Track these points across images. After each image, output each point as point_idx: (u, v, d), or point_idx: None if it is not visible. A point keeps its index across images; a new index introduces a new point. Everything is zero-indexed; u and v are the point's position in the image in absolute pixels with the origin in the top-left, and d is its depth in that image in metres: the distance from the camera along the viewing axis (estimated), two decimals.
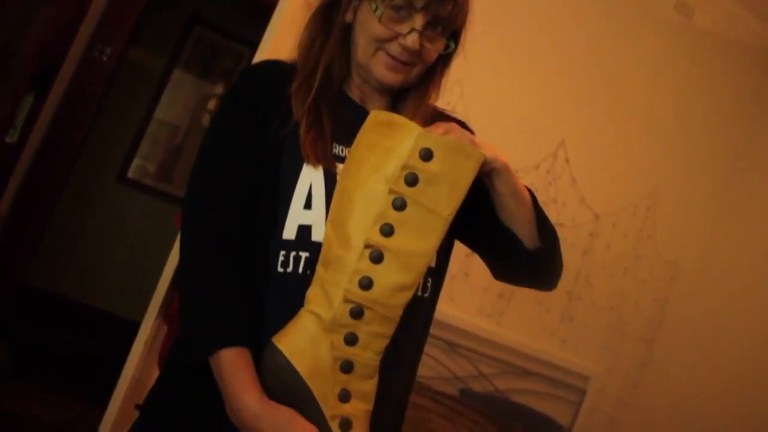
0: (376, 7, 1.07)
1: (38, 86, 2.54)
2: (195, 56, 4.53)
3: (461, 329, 3.01)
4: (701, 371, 3.41)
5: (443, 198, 0.94)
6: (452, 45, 1.14)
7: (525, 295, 3.35)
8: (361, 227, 0.93)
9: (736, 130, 3.76)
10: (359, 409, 0.93)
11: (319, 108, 1.09)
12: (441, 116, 1.24)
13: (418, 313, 1.10)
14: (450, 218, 0.95)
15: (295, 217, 1.02)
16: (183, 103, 4.56)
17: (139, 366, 2.13)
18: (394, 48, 1.09)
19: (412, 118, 1.12)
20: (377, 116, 0.99)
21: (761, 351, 3.19)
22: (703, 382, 3.37)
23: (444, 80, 1.21)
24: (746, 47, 3.76)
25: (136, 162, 4.47)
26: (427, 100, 1.19)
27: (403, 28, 1.07)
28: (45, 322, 3.98)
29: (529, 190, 1.14)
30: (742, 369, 3.22)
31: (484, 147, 1.02)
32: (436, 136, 0.96)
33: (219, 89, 4.59)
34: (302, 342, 0.92)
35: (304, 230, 1.02)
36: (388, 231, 0.93)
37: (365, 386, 0.94)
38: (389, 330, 0.94)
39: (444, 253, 1.14)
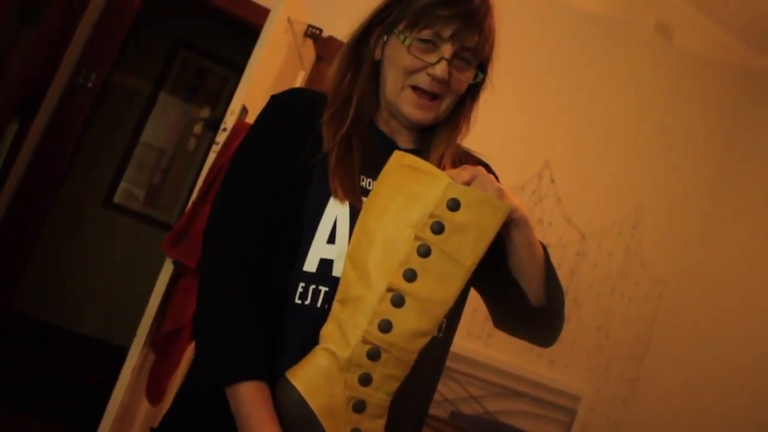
0: (405, 38, 1.08)
1: (23, 113, 2.53)
2: (181, 80, 4.53)
3: (450, 351, 3.01)
4: (691, 388, 3.42)
5: (467, 248, 0.95)
6: (480, 75, 1.14)
7: None
8: (384, 269, 0.93)
9: (718, 147, 3.81)
10: None
11: (350, 140, 1.08)
12: (467, 156, 1.23)
13: (430, 353, 1.08)
14: (472, 268, 0.96)
15: (318, 250, 1.02)
16: (169, 126, 4.56)
17: (127, 393, 2.10)
18: (422, 79, 1.09)
19: (442, 155, 1.15)
20: (402, 158, 0.99)
21: (750, 365, 3.20)
22: (692, 398, 3.38)
23: (474, 114, 1.20)
24: (727, 66, 3.82)
25: (122, 186, 4.45)
26: (457, 135, 1.18)
27: (432, 58, 1.07)
28: (30, 348, 3.93)
29: (543, 246, 1.13)
30: (732, 384, 3.23)
31: (508, 195, 1.01)
32: (464, 187, 0.96)
33: (205, 112, 4.59)
34: (317, 379, 0.92)
35: (326, 264, 1.01)
36: (411, 276, 0.93)
37: (375, 426, 0.95)
38: (403, 373, 0.95)
39: (461, 295, 1.12)
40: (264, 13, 2.30)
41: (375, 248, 0.94)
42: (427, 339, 0.95)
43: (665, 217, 3.70)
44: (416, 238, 0.94)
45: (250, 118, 2.03)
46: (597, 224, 3.54)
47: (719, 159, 3.79)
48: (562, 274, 3.57)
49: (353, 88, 1.13)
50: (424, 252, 0.94)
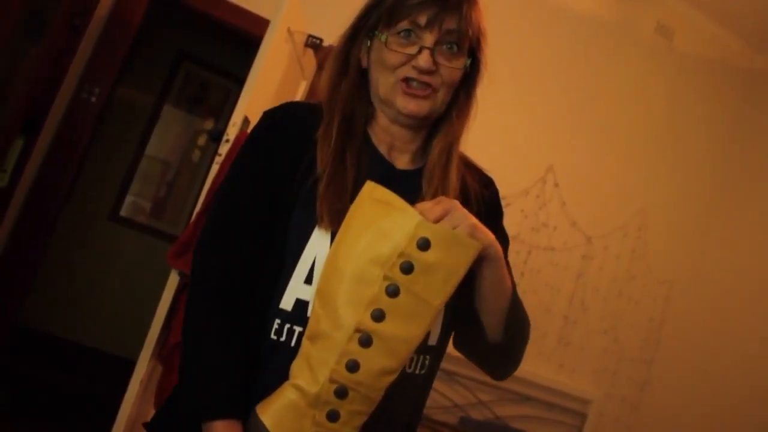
0: (382, 35, 1.06)
1: (28, 130, 2.55)
2: (184, 92, 4.55)
3: (459, 357, 3.01)
4: (701, 389, 3.40)
5: (437, 288, 0.94)
6: (468, 61, 1.10)
7: None
8: (352, 308, 0.93)
9: (721, 147, 3.81)
10: None
11: (344, 157, 1.06)
12: (467, 166, 1.20)
13: (412, 390, 1.09)
14: (440, 307, 0.95)
15: (295, 289, 1.02)
16: (173, 139, 4.58)
17: (135, 406, 2.11)
18: (408, 72, 1.06)
19: (440, 153, 1.12)
20: (374, 191, 0.97)
21: (760, 365, 3.19)
22: (703, 400, 3.36)
23: (473, 109, 1.17)
24: (728, 66, 3.82)
25: (128, 199, 4.47)
26: (453, 130, 1.14)
27: (413, 50, 1.05)
28: (39, 362, 3.94)
29: (513, 283, 1.11)
30: (742, 385, 3.22)
31: (483, 232, 0.99)
32: (435, 226, 0.94)
33: (209, 124, 4.61)
34: (285, 414, 0.94)
35: (302, 305, 1.01)
36: (379, 316, 0.92)
37: None
38: (369, 408, 0.96)
39: (445, 330, 1.11)
40: (264, 24, 2.31)
41: (344, 285, 0.93)
42: (394, 376, 0.95)
43: (670, 219, 3.69)
44: (385, 277, 0.93)
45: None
46: (602, 227, 3.53)
47: (722, 159, 3.78)
48: (568, 278, 3.59)
49: (347, 100, 1.11)
50: (393, 291, 0.93)
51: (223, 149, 2.08)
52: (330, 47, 2.87)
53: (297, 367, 0.96)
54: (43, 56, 2.49)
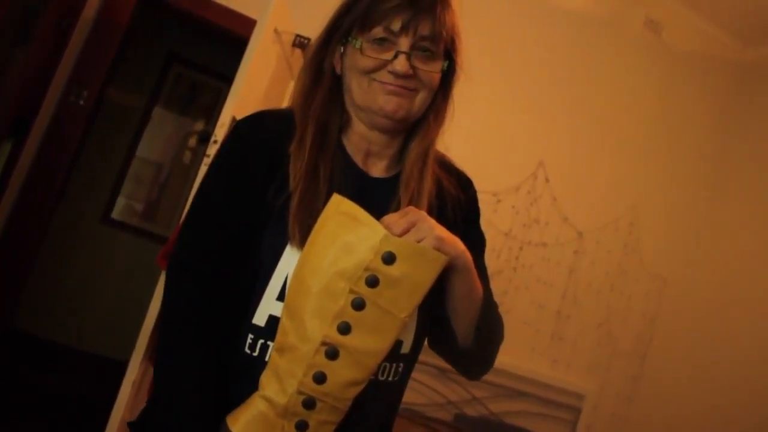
0: (356, 41, 1.06)
1: (16, 133, 2.54)
2: (174, 94, 4.55)
3: None
4: (695, 382, 3.41)
5: (402, 301, 0.95)
6: (445, 63, 1.09)
7: (513, 316, 3.36)
8: (318, 321, 0.94)
9: (712, 140, 3.82)
10: None
11: (317, 172, 1.05)
12: (445, 168, 1.20)
13: (384, 396, 1.10)
14: (407, 320, 0.96)
15: (267, 306, 1.02)
16: (165, 140, 4.57)
17: (128, 407, 2.10)
18: (384, 77, 1.05)
19: (416, 157, 1.12)
20: (339, 205, 0.97)
21: (753, 358, 3.20)
22: (697, 393, 3.37)
23: (449, 110, 1.16)
24: (717, 59, 3.83)
25: (120, 202, 4.46)
26: (430, 133, 1.14)
27: (389, 55, 1.05)
28: (32, 365, 3.94)
29: (486, 290, 1.12)
30: (736, 377, 3.23)
31: (450, 244, 0.99)
32: (400, 240, 0.95)
33: (200, 126, 4.60)
34: (255, 425, 0.95)
35: (274, 321, 1.01)
36: (345, 329, 0.94)
37: None
38: (338, 418, 0.97)
39: (418, 338, 1.12)
40: (252, 24, 2.31)
41: (311, 299, 0.95)
42: (360, 387, 0.96)
43: (662, 213, 3.71)
44: (351, 291, 0.94)
45: None
46: (594, 222, 3.54)
47: (714, 152, 3.80)
48: (560, 273, 3.59)
49: (321, 108, 1.10)
50: (359, 304, 0.94)
51: (211, 150, 2.08)
52: None
53: (266, 379, 0.98)
54: (31, 59, 2.48)
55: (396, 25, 1.04)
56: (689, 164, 3.77)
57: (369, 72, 1.06)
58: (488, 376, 3.62)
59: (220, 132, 2.08)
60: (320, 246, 0.96)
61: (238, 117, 2.17)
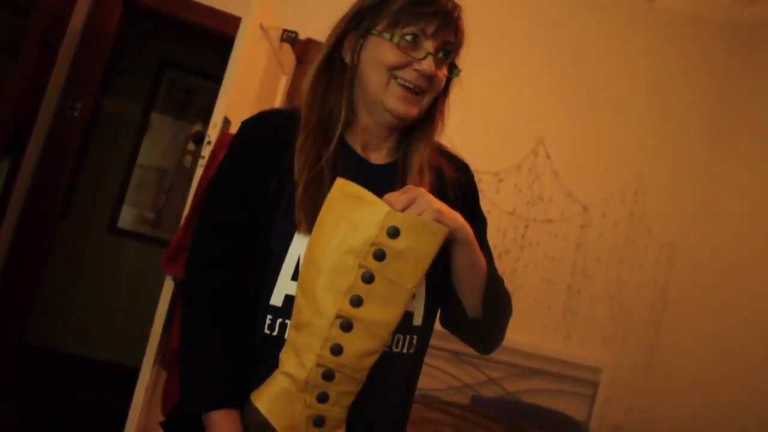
0: (392, 35, 1.10)
1: (12, 150, 2.55)
2: (170, 99, 4.55)
3: None
4: (712, 347, 3.39)
5: (408, 272, 1.01)
6: (456, 68, 1.17)
7: (524, 294, 3.35)
8: (332, 296, 1.00)
9: (712, 103, 3.77)
10: None
11: (320, 162, 1.11)
12: (443, 154, 1.26)
13: (401, 369, 1.17)
14: (414, 290, 1.02)
15: (283, 286, 1.09)
16: (165, 146, 4.58)
17: (143, 412, 2.12)
18: (408, 74, 1.11)
19: (416, 145, 1.19)
20: (343, 187, 1.03)
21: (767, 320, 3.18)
22: (715, 357, 3.35)
23: (447, 111, 1.23)
24: (712, 21, 3.78)
25: (125, 210, 4.48)
26: (434, 132, 1.22)
27: (418, 54, 1.11)
28: (47, 377, 3.97)
29: (490, 261, 1.18)
30: (751, 341, 3.21)
31: (449, 216, 1.05)
32: (402, 214, 1.01)
33: (198, 128, 4.61)
34: (278, 400, 1.02)
35: (291, 300, 1.07)
36: (357, 302, 1.00)
37: None
38: (356, 388, 1.04)
39: (428, 311, 1.18)
40: (237, 22, 2.30)
41: (322, 277, 1.00)
42: (376, 357, 1.03)
43: (666, 179, 3.68)
44: (360, 265, 1.00)
45: (233, 129, 2.04)
46: (598, 195, 3.52)
47: (713, 114, 3.76)
48: (568, 248, 3.58)
49: (326, 100, 1.16)
50: (368, 278, 1.00)
51: (206, 151, 2.08)
52: (308, 40, 2.86)
53: (285, 355, 1.03)
54: (21, 74, 2.49)
55: (430, 29, 1.11)
56: (689, 128, 3.74)
57: (394, 68, 1.11)
58: (503, 356, 3.62)
59: (213, 132, 2.09)
60: (328, 227, 1.02)
61: (231, 116, 2.17)
